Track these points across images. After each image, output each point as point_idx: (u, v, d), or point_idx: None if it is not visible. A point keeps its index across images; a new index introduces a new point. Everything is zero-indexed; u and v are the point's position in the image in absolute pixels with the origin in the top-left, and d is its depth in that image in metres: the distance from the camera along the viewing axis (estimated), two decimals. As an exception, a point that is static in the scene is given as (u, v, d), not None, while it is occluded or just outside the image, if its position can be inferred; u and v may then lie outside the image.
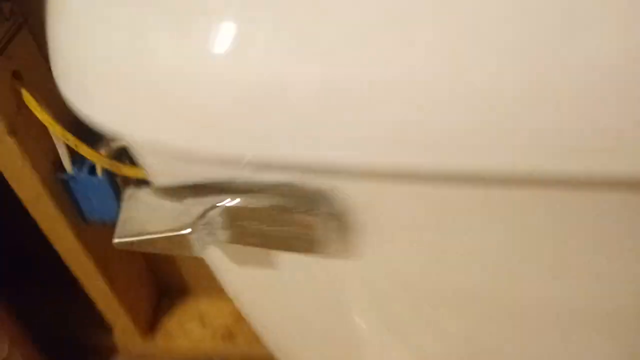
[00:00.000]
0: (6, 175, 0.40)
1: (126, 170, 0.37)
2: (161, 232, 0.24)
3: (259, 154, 0.19)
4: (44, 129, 0.37)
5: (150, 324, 0.60)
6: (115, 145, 0.38)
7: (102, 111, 0.21)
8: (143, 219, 0.25)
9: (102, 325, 0.58)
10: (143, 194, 0.26)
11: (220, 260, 0.27)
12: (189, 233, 0.23)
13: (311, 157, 0.19)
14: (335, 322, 0.30)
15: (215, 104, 0.18)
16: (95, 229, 0.46)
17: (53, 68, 0.22)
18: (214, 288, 0.59)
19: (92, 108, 0.21)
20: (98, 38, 0.20)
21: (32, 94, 0.37)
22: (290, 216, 0.22)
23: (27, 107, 0.37)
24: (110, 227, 0.44)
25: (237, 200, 0.22)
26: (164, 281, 0.61)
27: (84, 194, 0.41)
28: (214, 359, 0.58)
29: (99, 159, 0.37)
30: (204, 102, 0.18)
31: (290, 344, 0.35)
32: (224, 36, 0.17)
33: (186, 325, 0.60)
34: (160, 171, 0.25)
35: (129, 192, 0.26)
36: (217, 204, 0.22)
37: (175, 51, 0.18)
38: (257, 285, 0.29)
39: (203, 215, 0.23)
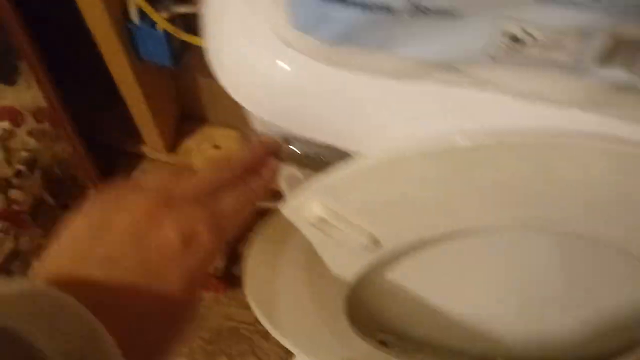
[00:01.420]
0: (85, 16, 0.52)
1: (183, 36, 0.50)
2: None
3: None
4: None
5: (174, 141, 0.76)
6: (175, 11, 0.49)
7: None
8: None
9: (134, 136, 0.74)
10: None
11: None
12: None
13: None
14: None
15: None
16: (145, 65, 0.59)
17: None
18: (226, 119, 0.74)
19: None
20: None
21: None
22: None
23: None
24: (157, 67, 0.56)
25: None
26: (187, 109, 0.76)
27: (144, 40, 0.53)
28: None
29: (159, 20, 0.49)
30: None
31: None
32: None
33: (201, 146, 0.76)
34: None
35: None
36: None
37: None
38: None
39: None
